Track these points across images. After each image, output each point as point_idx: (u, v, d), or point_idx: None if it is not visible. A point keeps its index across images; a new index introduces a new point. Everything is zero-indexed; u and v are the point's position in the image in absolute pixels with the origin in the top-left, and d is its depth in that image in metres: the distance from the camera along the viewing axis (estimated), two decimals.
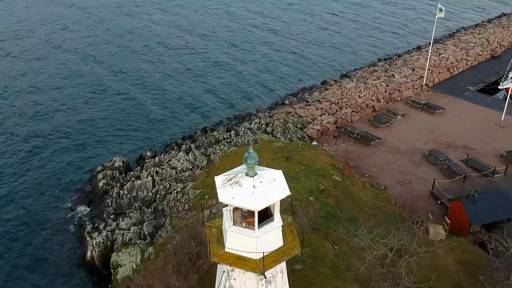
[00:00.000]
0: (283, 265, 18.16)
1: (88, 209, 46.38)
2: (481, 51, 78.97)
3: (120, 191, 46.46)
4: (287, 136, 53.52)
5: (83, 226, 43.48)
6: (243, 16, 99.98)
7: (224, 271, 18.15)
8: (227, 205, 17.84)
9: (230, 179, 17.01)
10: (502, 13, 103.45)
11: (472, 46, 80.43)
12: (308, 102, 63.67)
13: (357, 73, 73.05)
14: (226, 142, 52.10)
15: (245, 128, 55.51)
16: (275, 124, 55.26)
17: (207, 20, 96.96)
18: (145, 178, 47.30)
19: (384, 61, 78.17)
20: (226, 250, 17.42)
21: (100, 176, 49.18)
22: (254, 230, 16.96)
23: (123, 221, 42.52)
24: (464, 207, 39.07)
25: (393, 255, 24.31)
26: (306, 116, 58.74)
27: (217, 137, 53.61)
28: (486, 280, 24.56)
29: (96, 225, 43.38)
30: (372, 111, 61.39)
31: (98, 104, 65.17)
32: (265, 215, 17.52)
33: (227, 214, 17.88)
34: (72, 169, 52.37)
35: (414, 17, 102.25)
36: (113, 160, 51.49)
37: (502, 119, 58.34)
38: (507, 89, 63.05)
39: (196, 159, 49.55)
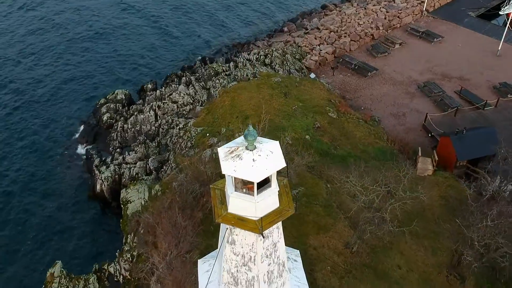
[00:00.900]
0: (279, 223, 20.45)
1: (95, 143, 48.48)
2: None
3: (124, 125, 48.30)
4: (285, 68, 54.33)
5: (91, 159, 45.82)
6: None
7: (227, 228, 20.48)
8: None
9: (232, 152, 18.71)
10: None
11: None
12: (307, 29, 63.51)
13: None
14: (226, 75, 53.03)
15: (244, 60, 56.11)
16: (273, 55, 55.78)
17: None
18: (148, 112, 48.91)
19: None
20: (229, 212, 19.59)
21: (103, 109, 50.75)
22: (253, 196, 19.00)
23: (129, 155, 44.81)
24: (452, 143, 41.17)
25: (379, 201, 26.69)
26: (305, 46, 59.03)
27: (216, 69, 54.41)
28: (462, 223, 27.19)
29: (103, 159, 45.69)
30: (371, 39, 61.51)
31: (100, 36, 64.74)
32: (264, 182, 19.45)
33: (229, 179, 19.79)
34: (76, 101, 53.77)
35: None
36: (116, 92, 52.76)
37: (500, 47, 58.67)
38: (508, 15, 62.62)
39: (197, 93, 50.82)
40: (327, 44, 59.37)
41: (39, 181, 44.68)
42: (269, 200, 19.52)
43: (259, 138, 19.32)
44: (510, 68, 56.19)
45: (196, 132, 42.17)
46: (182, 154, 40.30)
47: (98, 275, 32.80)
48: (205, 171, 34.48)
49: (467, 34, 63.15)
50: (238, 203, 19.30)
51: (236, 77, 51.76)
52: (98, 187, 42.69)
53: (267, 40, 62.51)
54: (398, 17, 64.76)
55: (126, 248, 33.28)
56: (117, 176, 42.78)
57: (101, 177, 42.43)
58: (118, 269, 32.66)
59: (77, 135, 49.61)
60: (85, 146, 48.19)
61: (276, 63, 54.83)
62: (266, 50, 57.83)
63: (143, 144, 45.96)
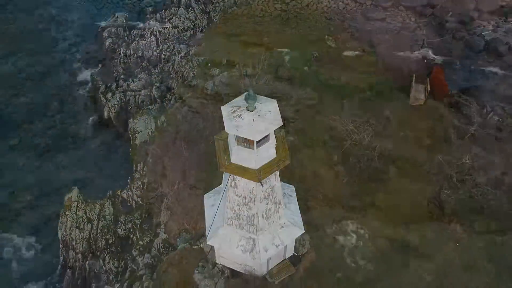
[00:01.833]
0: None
1: (98, 69, 49.59)
2: None
3: (127, 51, 49.16)
4: None
5: (96, 86, 47.35)
6: None
7: (230, 174, 23.08)
8: None
9: (234, 112, 20.73)
10: None
11: None
12: None
13: None
14: None
15: None
16: None
17: None
18: (149, 38, 49.55)
19: None
20: (232, 162, 22.06)
21: (105, 33, 51.28)
22: (253, 149, 21.35)
23: (133, 82, 46.22)
24: (444, 73, 42.65)
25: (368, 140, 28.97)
26: None
27: None
28: (443, 158, 29.63)
29: (108, 85, 47.07)
30: None
31: None
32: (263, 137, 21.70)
33: (231, 135, 22.00)
34: (77, 26, 54.06)
35: None
36: (116, 16, 52.90)
37: None
38: None
39: (197, 17, 50.96)
40: None
41: (44, 109, 46.56)
42: (267, 152, 21.93)
43: (258, 98, 21.22)
44: None
45: (198, 62, 43.29)
46: (185, 84, 41.86)
47: (112, 200, 35.79)
48: (207, 104, 36.53)
49: None
50: (239, 155, 21.78)
51: (236, 0, 51.51)
52: (105, 114, 44.67)
53: None
54: None
55: (137, 176, 36.12)
56: (123, 103, 44.57)
57: (108, 105, 44.29)
58: (130, 195, 35.67)
59: (80, 62, 50.58)
60: (90, 73, 49.37)
61: None
62: None
63: (146, 71, 47.15)
